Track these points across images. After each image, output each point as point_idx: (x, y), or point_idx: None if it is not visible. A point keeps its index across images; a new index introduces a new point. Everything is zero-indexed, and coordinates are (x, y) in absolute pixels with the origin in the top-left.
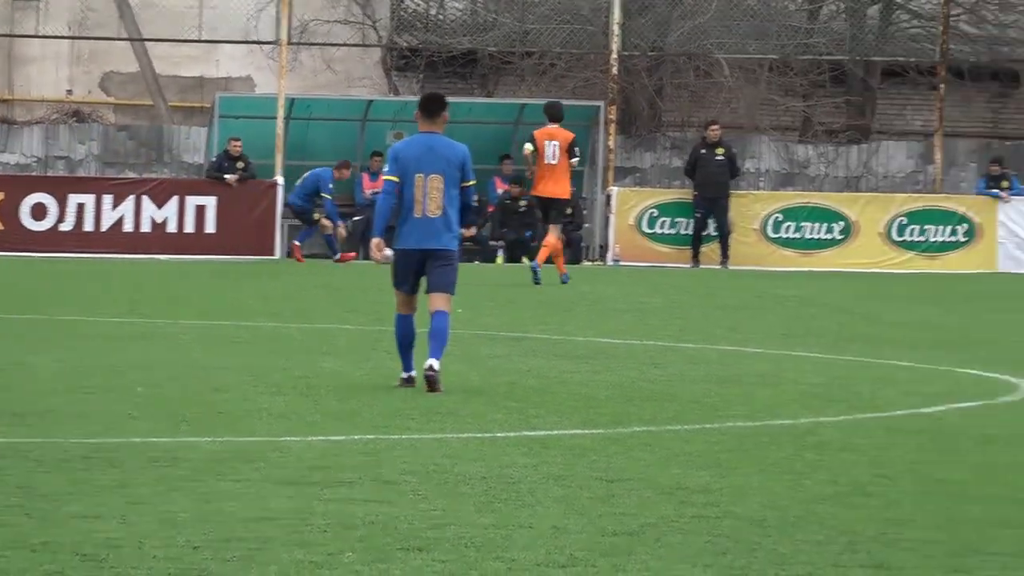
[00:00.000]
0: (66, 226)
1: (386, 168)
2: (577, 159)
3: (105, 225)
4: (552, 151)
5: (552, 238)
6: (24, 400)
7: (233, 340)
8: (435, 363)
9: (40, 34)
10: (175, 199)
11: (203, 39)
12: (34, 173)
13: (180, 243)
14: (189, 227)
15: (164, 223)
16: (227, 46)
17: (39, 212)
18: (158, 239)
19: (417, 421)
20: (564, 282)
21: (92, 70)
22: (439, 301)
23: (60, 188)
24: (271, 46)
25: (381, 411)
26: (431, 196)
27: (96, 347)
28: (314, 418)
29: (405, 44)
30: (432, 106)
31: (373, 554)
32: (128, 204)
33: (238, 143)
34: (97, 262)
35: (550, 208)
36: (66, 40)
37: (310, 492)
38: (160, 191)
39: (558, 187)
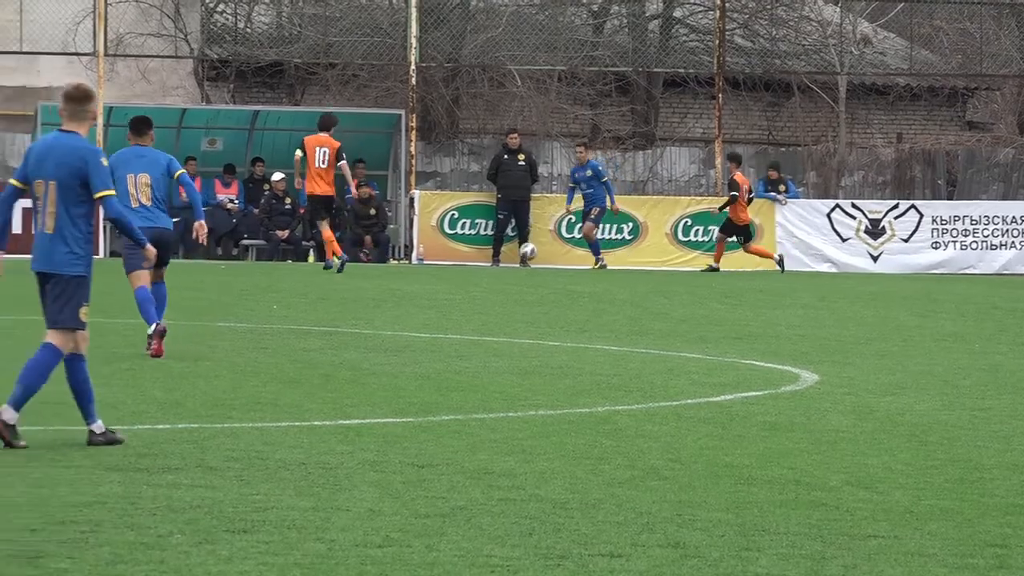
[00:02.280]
0: None
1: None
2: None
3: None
4: (321, 156)
5: (328, 232)
6: None
7: None
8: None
9: None
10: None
11: (24, 50)
12: None
13: (11, 244)
14: (16, 228)
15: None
16: (47, 57)
17: None
18: None
19: (238, 411)
20: (332, 266)
21: None
22: (158, 275)
23: None
24: (89, 57)
25: (204, 401)
26: (142, 191)
27: None
28: (140, 408)
29: (215, 56)
30: (141, 126)
31: (200, 535)
32: None
33: None
34: None
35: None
36: None
37: (138, 478)
38: None
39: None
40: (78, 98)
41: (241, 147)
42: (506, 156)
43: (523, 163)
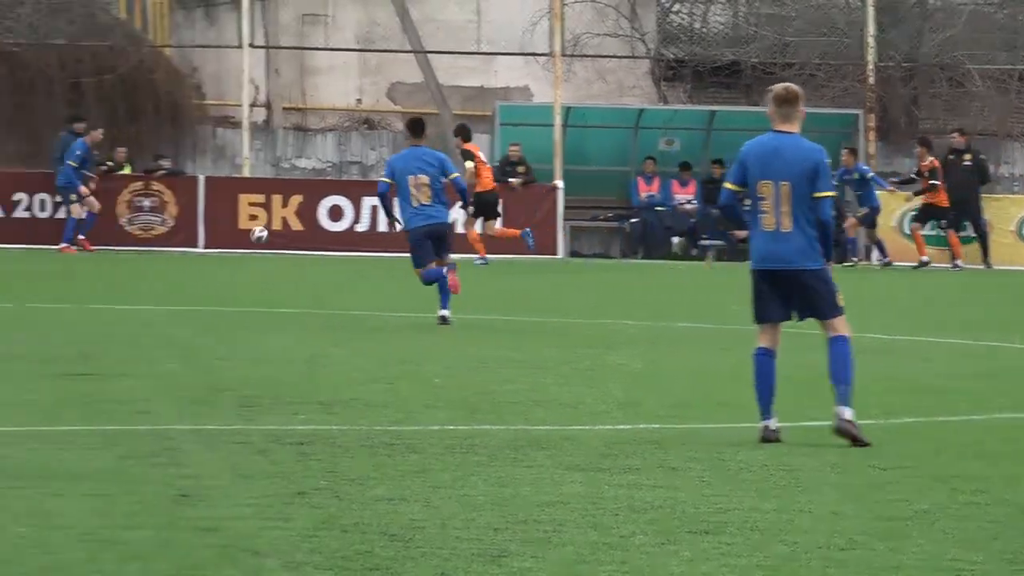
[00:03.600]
0: (361, 227)
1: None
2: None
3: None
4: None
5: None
6: (329, 390)
7: (520, 333)
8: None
9: (329, 47)
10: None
11: (481, 51)
12: (329, 177)
13: (467, 243)
14: (476, 227)
15: (452, 224)
16: (505, 57)
17: (336, 214)
18: None
19: (699, 411)
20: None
21: (379, 80)
22: (440, 262)
23: (355, 191)
24: (546, 57)
25: (663, 402)
26: (421, 191)
27: (390, 339)
28: (600, 408)
29: (671, 56)
30: (418, 128)
31: (663, 536)
32: None
33: (516, 147)
34: (389, 261)
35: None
36: (354, 52)
37: (600, 478)
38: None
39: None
40: (790, 100)
41: (698, 148)
42: (951, 156)
43: (969, 163)
